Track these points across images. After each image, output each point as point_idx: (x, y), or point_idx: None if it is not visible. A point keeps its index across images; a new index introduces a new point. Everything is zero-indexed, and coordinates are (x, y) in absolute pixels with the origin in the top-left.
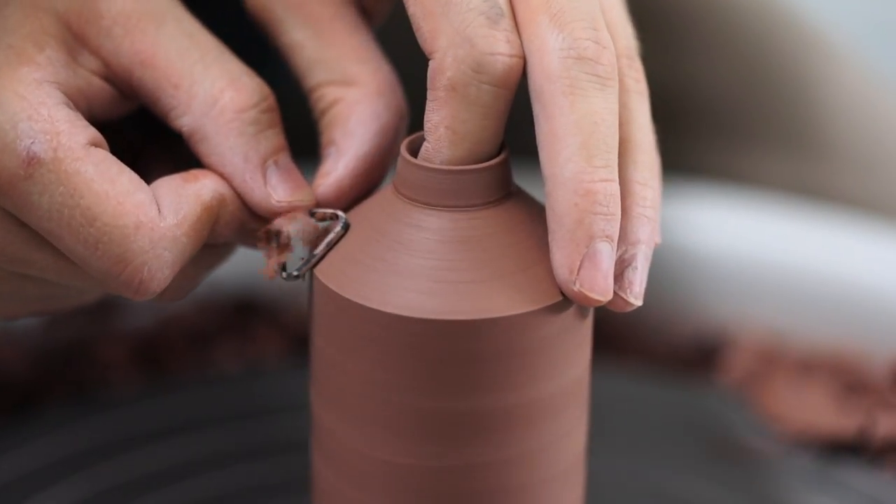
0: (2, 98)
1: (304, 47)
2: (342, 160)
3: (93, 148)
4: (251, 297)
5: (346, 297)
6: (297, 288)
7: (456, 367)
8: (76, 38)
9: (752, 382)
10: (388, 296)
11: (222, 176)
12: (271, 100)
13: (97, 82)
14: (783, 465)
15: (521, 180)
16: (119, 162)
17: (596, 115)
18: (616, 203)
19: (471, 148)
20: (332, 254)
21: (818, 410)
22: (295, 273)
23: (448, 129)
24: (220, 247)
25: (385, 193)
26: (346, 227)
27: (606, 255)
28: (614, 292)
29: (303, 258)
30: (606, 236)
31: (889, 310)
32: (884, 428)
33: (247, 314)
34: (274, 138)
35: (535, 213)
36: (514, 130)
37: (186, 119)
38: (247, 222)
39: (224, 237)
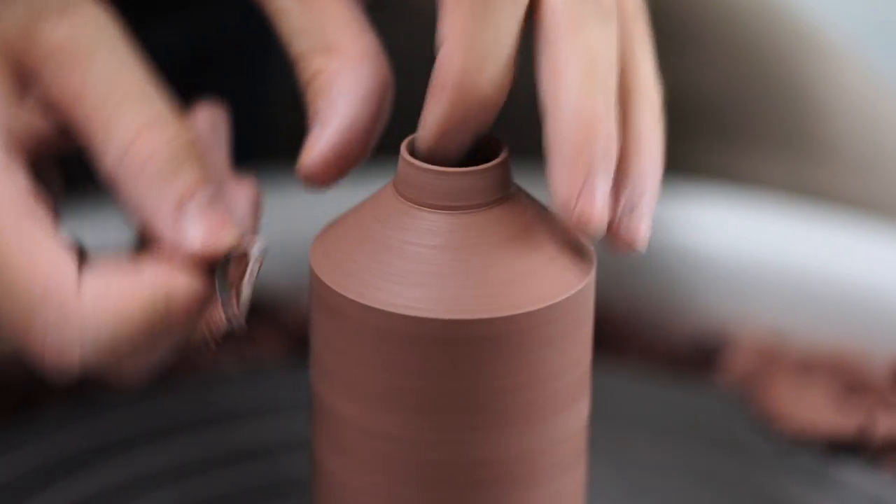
0: None
1: (289, 13)
2: (325, 133)
3: (28, 201)
4: (251, 297)
5: (347, 296)
6: (298, 288)
7: (456, 366)
8: (23, 66)
9: (752, 382)
10: (389, 295)
11: (146, 226)
12: (186, 135)
13: (39, 121)
14: (783, 465)
15: (522, 180)
16: (51, 228)
17: (597, 47)
18: (613, 140)
19: (483, 58)
20: (332, 254)
21: (818, 410)
22: (237, 323)
23: (461, 36)
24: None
25: (385, 194)
26: (263, 254)
27: (602, 190)
28: (619, 233)
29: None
30: (604, 170)
31: (889, 310)
32: (884, 428)
33: (247, 314)
34: (186, 181)
35: (536, 213)
36: (515, 131)
37: (104, 166)
38: (203, 301)
39: (181, 320)
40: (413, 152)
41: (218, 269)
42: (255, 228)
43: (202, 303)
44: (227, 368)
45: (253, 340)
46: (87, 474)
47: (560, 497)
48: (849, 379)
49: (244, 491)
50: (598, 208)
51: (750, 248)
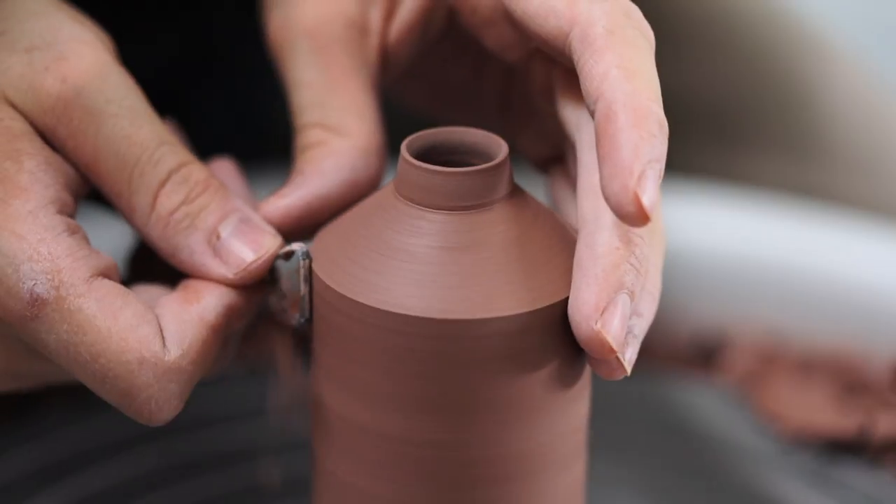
0: (1, 240)
1: (311, 87)
2: (302, 190)
3: (97, 280)
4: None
5: (347, 295)
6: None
7: (455, 366)
8: (36, 123)
9: (752, 382)
10: (388, 295)
11: (194, 276)
12: (200, 179)
13: (72, 173)
14: (783, 465)
15: (521, 180)
16: (125, 292)
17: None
18: (647, 262)
19: (648, 84)
20: (332, 254)
21: (818, 410)
22: (304, 319)
23: (619, 69)
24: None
25: (385, 194)
26: (308, 256)
27: (627, 310)
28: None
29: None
30: (631, 291)
31: (889, 310)
32: (884, 428)
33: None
34: (210, 220)
35: (536, 214)
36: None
37: (136, 229)
38: (253, 305)
39: (240, 328)
40: (413, 153)
41: (270, 278)
42: (295, 239)
43: (253, 304)
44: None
45: (253, 340)
46: (87, 474)
47: (560, 493)
48: (849, 379)
49: (244, 491)
50: (620, 326)
51: (750, 248)
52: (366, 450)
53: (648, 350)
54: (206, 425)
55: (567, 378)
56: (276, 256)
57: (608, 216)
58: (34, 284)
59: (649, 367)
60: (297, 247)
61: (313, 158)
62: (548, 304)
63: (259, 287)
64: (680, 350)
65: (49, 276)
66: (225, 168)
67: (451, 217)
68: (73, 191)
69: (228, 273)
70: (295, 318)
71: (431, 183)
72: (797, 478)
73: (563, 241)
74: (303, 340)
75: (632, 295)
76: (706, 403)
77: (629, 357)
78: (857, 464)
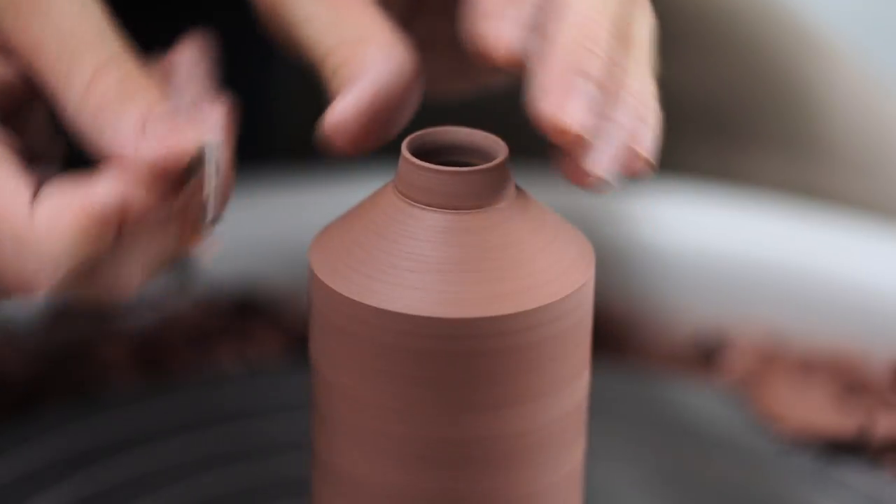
0: None
1: (316, 17)
2: (357, 90)
3: None
4: (251, 297)
5: (347, 295)
6: (298, 288)
7: (455, 365)
8: None
9: (752, 382)
10: (388, 295)
11: (114, 158)
12: (140, 68)
13: (4, 68)
14: (783, 465)
15: (522, 180)
16: (5, 154)
17: None
18: (611, 52)
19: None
20: (332, 254)
21: (818, 410)
22: (210, 219)
23: None
24: (158, 236)
25: (385, 193)
26: (218, 147)
27: (589, 96)
28: (582, 162)
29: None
30: (595, 81)
31: (889, 310)
32: (884, 428)
33: (247, 314)
34: (144, 101)
35: (536, 213)
36: (515, 131)
37: (67, 114)
38: (159, 207)
39: (141, 229)
40: (413, 152)
41: (186, 174)
42: (226, 139)
43: (159, 209)
44: (227, 368)
45: (253, 340)
46: (87, 474)
47: (560, 473)
48: (849, 379)
49: (244, 491)
50: (585, 110)
51: (749, 248)
52: (365, 446)
53: (648, 350)
54: (205, 425)
55: (567, 376)
56: (198, 151)
57: (576, 10)
58: None
59: (649, 368)
60: (211, 138)
61: (347, 68)
62: (548, 303)
63: (168, 191)
64: (680, 350)
65: None
66: (190, 50)
67: (450, 217)
68: None
69: (150, 155)
70: (204, 214)
71: (431, 182)
72: (797, 478)
73: (564, 241)
74: (302, 341)
75: (599, 85)
76: (706, 403)
77: (599, 160)
78: (857, 464)
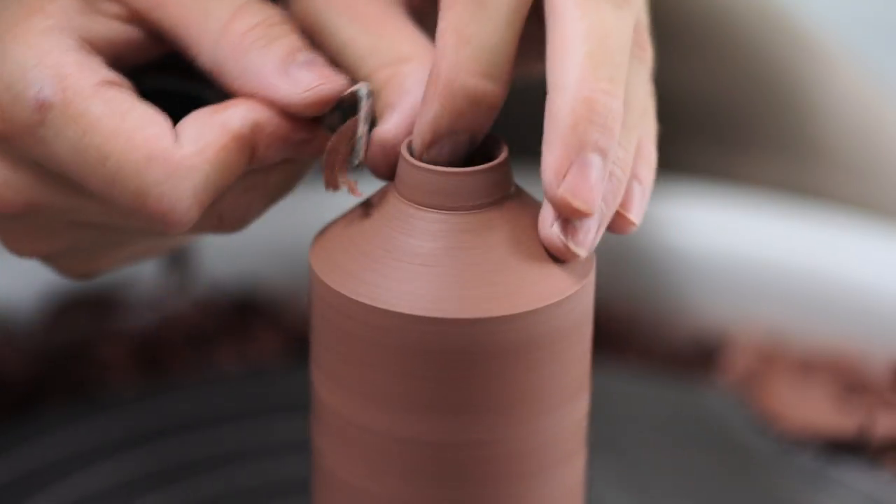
0: (11, 49)
1: (355, 41)
2: (401, 110)
3: (103, 87)
4: (251, 297)
5: (347, 295)
6: (298, 288)
7: (455, 365)
8: None
9: (752, 382)
10: (388, 294)
11: (252, 96)
12: (278, 15)
13: (119, 27)
14: (783, 465)
15: (521, 180)
16: (133, 98)
17: (606, 28)
18: (615, 120)
19: (476, 53)
20: (332, 254)
21: (818, 410)
22: (357, 162)
23: (453, 32)
24: (276, 172)
25: (385, 194)
26: (370, 95)
27: (597, 168)
28: (558, 236)
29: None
30: (599, 149)
31: (889, 310)
32: (883, 428)
33: (247, 314)
34: (287, 43)
35: (536, 214)
36: (514, 130)
37: (203, 57)
38: (291, 137)
39: (271, 158)
40: (412, 153)
41: (330, 115)
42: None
43: (288, 144)
44: (227, 368)
45: (253, 340)
46: (86, 474)
47: (561, 488)
48: (848, 379)
49: (244, 491)
50: (591, 182)
51: (749, 249)
52: (366, 449)
53: (648, 350)
54: (205, 425)
55: (568, 375)
56: (342, 95)
57: (568, 76)
58: (40, 89)
59: (649, 368)
60: (361, 85)
61: (391, 88)
62: (548, 303)
63: (307, 127)
64: (680, 350)
65: (55, 80)
66: None
67: (450, 217)
68: (110, 42)
69: (297, 89)
70: (351, 159)
71: (431, 183)
72: (797, 478)
73: None
74: (302, 341)
75: (602, 153)
76: (706, 403)
77: (582, 238)
78: (857, 464)
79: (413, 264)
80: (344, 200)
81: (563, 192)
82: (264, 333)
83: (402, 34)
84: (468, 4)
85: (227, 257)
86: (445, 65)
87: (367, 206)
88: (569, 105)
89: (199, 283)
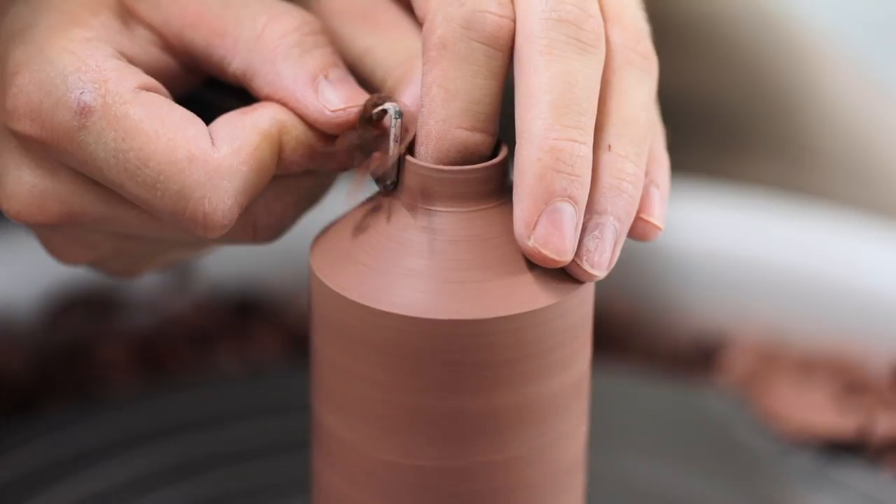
0: (52, 55)
1: (374, 49)
2: (414, 85)
3: (142, 91)
4: (251, 297)
5: (347, 296)
6: (297, 288)
7: (456, 366)
8: (129, 13)
9: (752, 382)
10: (389, 295)
11: (279, 102)
12: (315, 24)
13: (156, 53)
14: (783, 465)
15: None
16: (170, 101)
17: (570, 76)
18: (583, 166)
19: (464, 107)
20: (332, 254)
21: (818, 410)
22: (390, 182)
23: (440, 88)
24: (306, 179)
25: (385, 193)
26: (400, 115)
27: (567, 216)
28: (574, 260)
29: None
30: (569, 196)
31: (889, 310)
32: (883, 428)
33: (247, 314)
34: (321, 56)
35: None
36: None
37: (236, 62)
38: (315, 146)
39: (296, 164)
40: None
41: (360, 130)
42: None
43: (314, 153)
44: (227, 368)
45: (253, 340)
46: (87, 474)
47: (561, 497)
48: (849, 379)
49: (243, 491)
50: (562, 231)
51: (749, 249)
52: (366, 450)
53: (648, 350)
54: (206, 425)
55: (567, 378)
56: (370, 111)
57: (533, 126)
58: (81, 93)
59: (649, 368)
60: (389, 105)
61: (404, 77)
62: (547, 304)
63: (330, 138)
64: (680, 350)
65: (96, 86)
66: None
67: (450, 216)
68: (145, 65)
69: (327, 107)
70: (380, 171)
71: (431, 182)
72: (797, 478)
73: None
74: (302, 341)
75: (571, 200)
76: (706, 403)
77: (596, 259)
78: (857, 464)
79: (412, 265)
80: (344, 201)
81: (534, 242)
82: (264, 333)
83: (414, 36)
84: (453, 60)
85: (227, 257)
86: (434, 120)
87: (367, 206)
88: (534, 155)
89: (199, 283)
